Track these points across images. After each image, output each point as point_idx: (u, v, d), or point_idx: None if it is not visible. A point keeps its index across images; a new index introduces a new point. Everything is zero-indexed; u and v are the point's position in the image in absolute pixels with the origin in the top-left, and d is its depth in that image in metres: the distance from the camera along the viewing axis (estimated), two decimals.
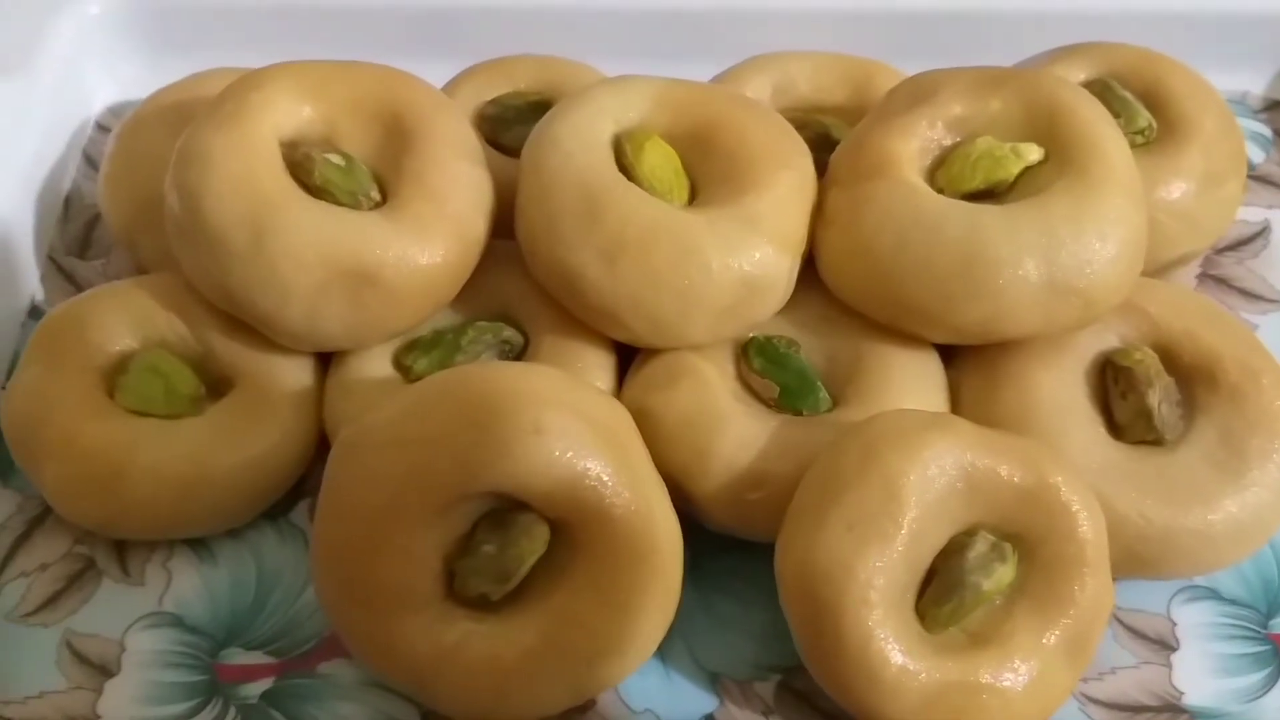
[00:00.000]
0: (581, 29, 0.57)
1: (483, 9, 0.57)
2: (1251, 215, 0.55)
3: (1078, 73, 0.52)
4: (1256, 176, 0.56)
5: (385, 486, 0.38)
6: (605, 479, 0.39)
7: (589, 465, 0.38)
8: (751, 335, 0.46)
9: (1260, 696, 0.43)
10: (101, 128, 0.57)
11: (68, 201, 0.55)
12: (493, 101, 0.52)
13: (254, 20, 0.57)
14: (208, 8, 0.57)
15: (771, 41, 0.55)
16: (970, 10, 0.57)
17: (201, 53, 0.56)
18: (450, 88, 0.53)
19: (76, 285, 0.52)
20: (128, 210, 0.49)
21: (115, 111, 0.58)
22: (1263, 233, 0.54)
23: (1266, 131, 0.58)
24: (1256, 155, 0.57)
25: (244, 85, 0.45)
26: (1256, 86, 0.60)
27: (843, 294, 0.45)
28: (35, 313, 0.51)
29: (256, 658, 0.43)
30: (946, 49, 0.56)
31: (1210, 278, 0.53)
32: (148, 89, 0.56)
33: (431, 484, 0.38)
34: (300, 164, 0.44)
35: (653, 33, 0.57)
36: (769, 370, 0.45)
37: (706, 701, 0.43)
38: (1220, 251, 0.54)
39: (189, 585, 0.45)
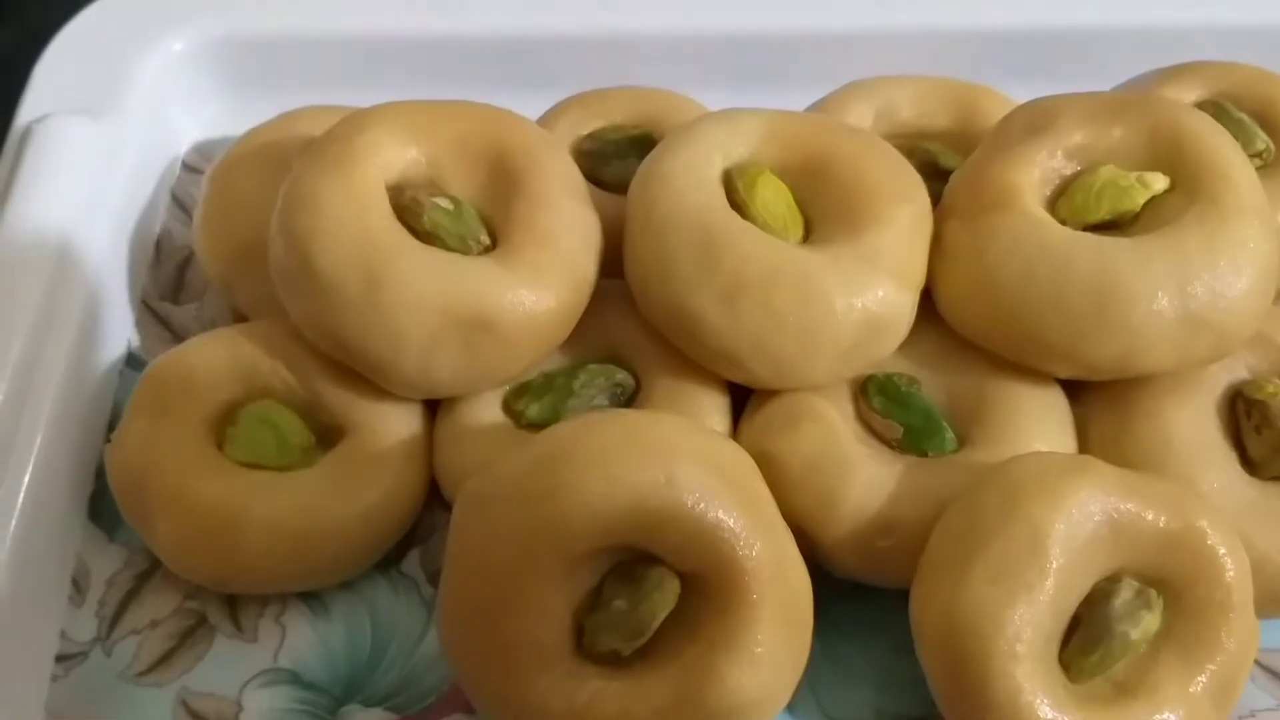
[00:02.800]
0: (675, 58, 0.56)
1: (574, 40, 0.56)
2: None
3: (1189, 94, 0.50)
4: None
5: (515, 542, 0.37)
6: (737, 531, 0.38)
7: (720, 517, 0.37)
8: (870, 373, 0.45)
9: None
10: (188, 168, 0.56)
11: (158, 244, 0.54)
12: (590, 136, 0.51)
13: (339, 54, 0.57)
14: (292, 42, 0.57)
15: (868, 65, 0.54)
16: (1071, 29, 0.56)
17: (286, 89, 0.56)
18: (545, 122, 0.52)
19: (171, 330, 0.51)
20: (225, 255, 0.48)
21: (201, 151, 0.57)
22: None
23: None
24: None
25: (349, 127, 0.44)
26: None
27: (964, 329, 0.44)
28: (132, 360, 0.51)
29: (377, 714, 0.43)
30: (1049, 69, 0.56)
31: None
32: (233, 127, 0.56)
33: (562, 539, 0.37)
34: (408, 208, 0.43)
35: (747, 60, 0.56)
36: (891, 410, 0.44)
37: None
38: None
39: (304, 640, 0.44)
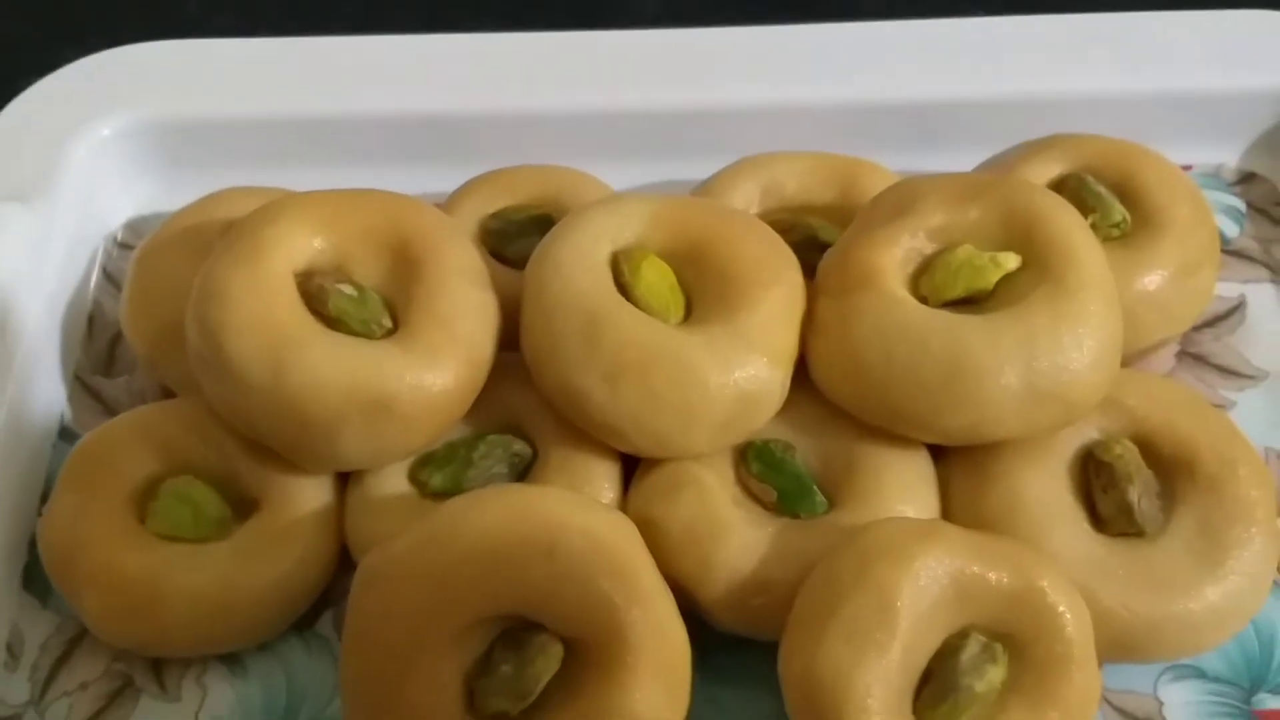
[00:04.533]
0: (578, 134, 0.59)
1: (484, 118, 0.59)
2: (1227, 291, 0.57)
3: (1053, 167, 0.54)
4: (1231, 251, 0.58)
5: (406, 619, 0.40)
6: (615, 600, 0.41)
7: (599, 586, 0.41)
8: (749, 441, 0.48)
9: None
10: (121, 245, 0.59)
11: (90, 320, 0.57)
12: (495, 215, 0.54)
13: (260, 134, 0.59)
14: (216, 125, 0.59)
15: (758, 137, 0.57)
16: (948, 102, 0.59)
17: (213, 166, 0.59)
18: (454, 200, 0.55)
19: (103, 403, 0.54)
20: (150, 337, 0.51)
21: (133, 227, 0.60)
22: (1238, 308, 0.57)
23: (1240, 205, 0.60)
24: (1231, 229, 0.59)
25: (257, 221, 0.47)
26: (1231, 159, 0.62)
27: (835, 398, 0.47)
28: (65, 433, 0.53)
29: None
30: (927, 140, 0.59)
31: (1189, 355, 0.55)
32: (164, 204, 0.59)
33: (450, 611, 0.40)
34: (315, 295, 0.46)
35: (645, 134, 0.59)
36: (766, 475, 0.47)
37: None
38: (1198, 329, 0.55)
39: (223, 700, 0.47)
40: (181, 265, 0.51)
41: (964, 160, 0.57)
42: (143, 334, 0.51)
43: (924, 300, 0.47)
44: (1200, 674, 0.47)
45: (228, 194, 0.55)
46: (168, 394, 0.53)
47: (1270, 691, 0.47)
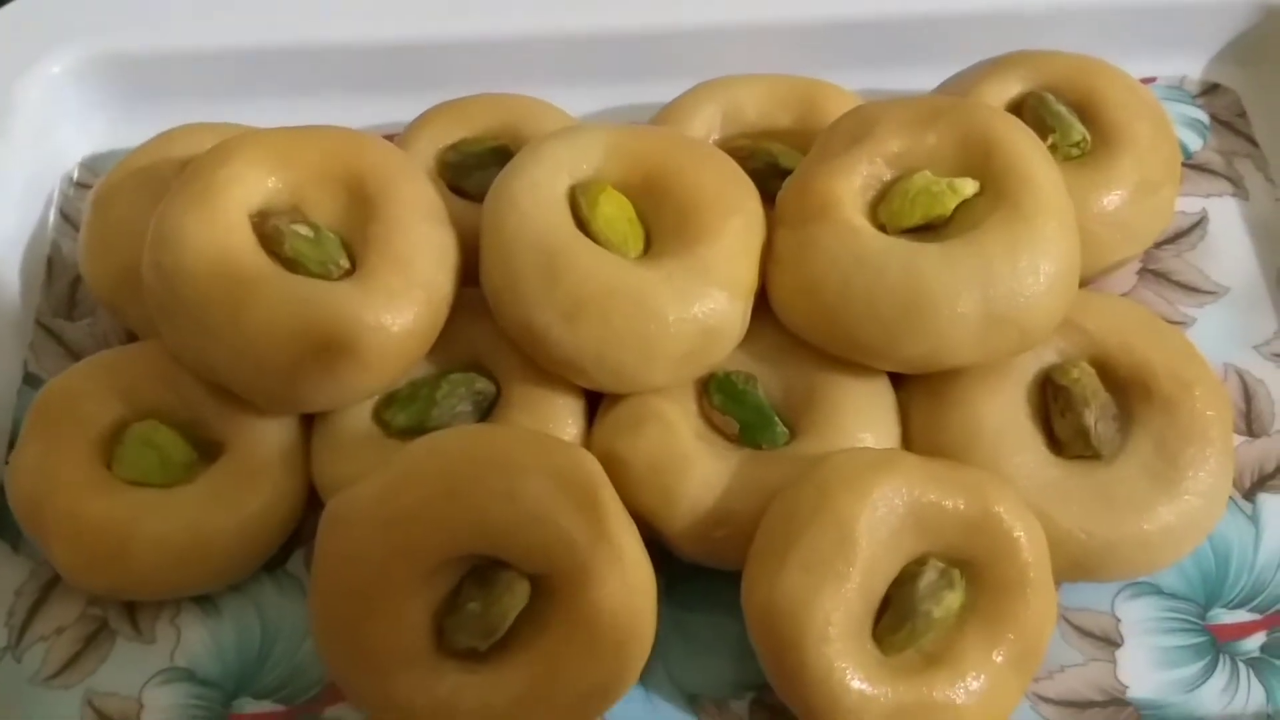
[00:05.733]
0: (534, 60, 0.58)
1: (441, 44, 0.58)
2: (1189, 205, 0.57)
3: (1013, 86, 0.53)
4: (1194, 165, 0.58)
5: (372, 561, 0.41)
6: (576, 536, 0.41)
7: (560, 524, 0.41)
8: (711, 373, 0.48)
9: (1199, 686, 0.47)
10: (78, 184, 0.59)
11: (50, 263, 0.56)
12: (452, 148, 0.54)
13: (214, 65, 0.59)
14: (166, 57, 0.58)
15: (721, 57, 0.57)
16: (909, 17, 0.58)
17: (168, 100, 0.59)
18: (410, 132, 0.55)
19: (66, 347, 0.54)
20: (109, 279, 0.51)
21: (89, 166, 0.59)
22: (1200, 224, 0.57)
23: (1204, 117, 0.60)
24: (1194, 142, 0.59)
25: (211, 161, 0.47)
26: (1194, 71, 0.61)
27: (794, 329, 0.48)
28: (30, 379, 0.53)
29: (267, 706, 0.47)
30: (888, 57, 0.59)
31: (1150, 272, 0.55)
32: (120, 140, 0.59)
33: (415, 555, 0.41)
34: (271, 236, 0.46)
35: (602, 59, 0.59)
36: (728, 407, 0.47)
37: None
38: (1159, 245, 0.56)
39: (197, 640, 0.48)
40: (138, 206, 0.51)
41: (925, 78, 0.57)
42: (102, 278, 0.51)
43: (883, 228, 0.47)
44: (1157, 590, 0.48)
45: (182, 131, 0.54)
46: (131, 336, 0.53)
47: (1225, 607, 0.48)
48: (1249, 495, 0.50)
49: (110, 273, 0.51)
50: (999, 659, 0.43)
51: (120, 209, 0.52)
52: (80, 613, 0.48)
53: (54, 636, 0.48)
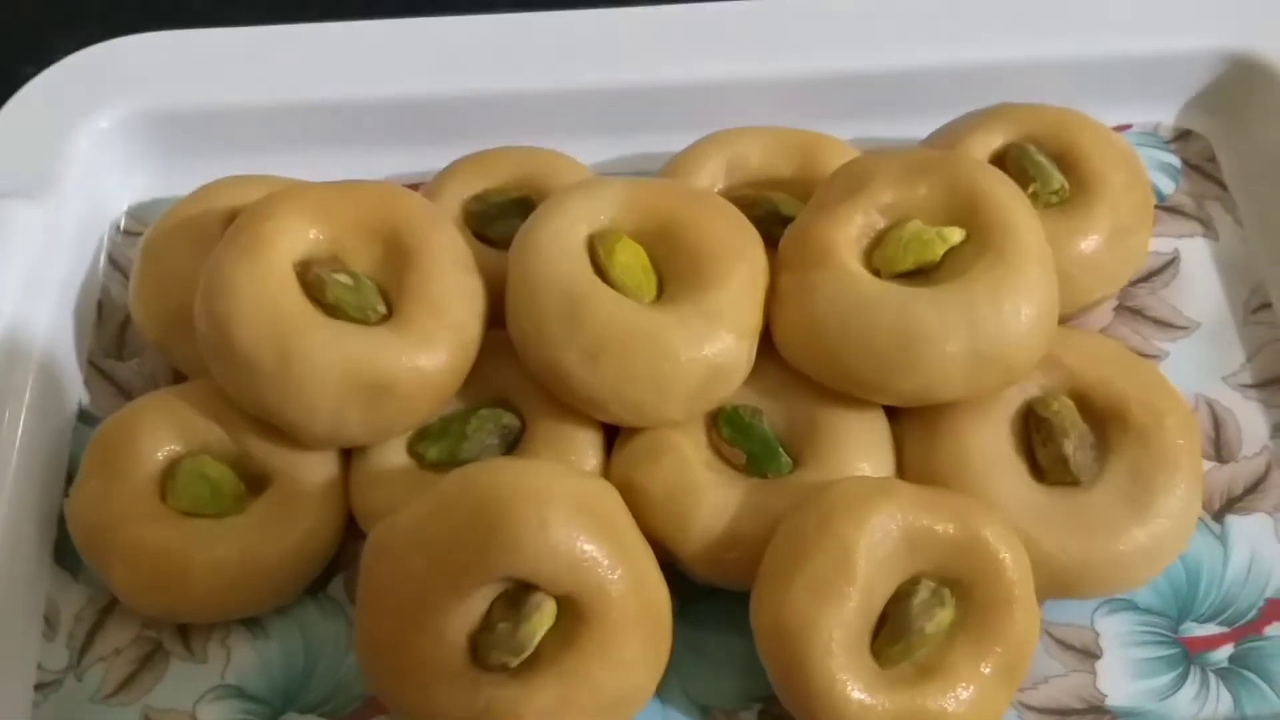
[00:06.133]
0: (553, 114, 0.62)
1: (463, 99, 0.62)
2: (1162, 246, 0.61)
3: (997, 137, 0.57)
4: (1166, 207, 0.62)
5: (413, 584, 0.45)
6: (600, 560, 0.45)
7: (586, 549, 0.45)
8: (720, 407, 0.52)
9: (1172, 695, 0.50)
10: (124, 232, 0.62)
11: (100, 306, 0.60)
12: (476, 198, 0.58)
13: (251, 121, 0.62)
14: (209, 114, 0.62)
15: (725, 110, 0.61)
16: (900, 71, 0.62)
17: (207, 153, 0.62)
18: (437, 183, 0.59)
19: (117, 385, 0.58)
20: (159, 322, 0.55)
21: (134, 215, 0.63)
22: (1173, 263, 0.61)
23: (1176, 162, 0.64)
24: (1167, 185, 0.63)
25: (257, 215, 0.50)
26: (1167, 118, 0.65)
27: (797, 365, 0.51)
28: (84, 416, 0.57)
29: (311, 719, 0.50)
30: (883, 108, 0.63)
31: (1126, 309, 0.59)
32: (163, 190, 0.63)
33: (452, 578, 0.45)
34: (313, 284, 0.50)
35: (619, 111, 0.63)
36: (736, 439, 0.51)
37: None
38: (1134, 284, 0.60)
39: (246, 660, 0.51)
40: (185, 253, 0.54)
41: (916, 127, 0.61)
42: (152, 320, 0.55)
43: (877, 273, 0.51)
44: (1133, 606, 0.52)
45: (225, 183, 0.58)
46: (178, 375, 0.57)
47: (1196, 621, 0.52)
48: (1218, 517, 0.54)
49: (160, 315, 0.55)
50: (987, 670, 0.46)
51: (169, 256, 0.55)
52: (136, 635, 0.52)
53: (112, 657, 0.51)
